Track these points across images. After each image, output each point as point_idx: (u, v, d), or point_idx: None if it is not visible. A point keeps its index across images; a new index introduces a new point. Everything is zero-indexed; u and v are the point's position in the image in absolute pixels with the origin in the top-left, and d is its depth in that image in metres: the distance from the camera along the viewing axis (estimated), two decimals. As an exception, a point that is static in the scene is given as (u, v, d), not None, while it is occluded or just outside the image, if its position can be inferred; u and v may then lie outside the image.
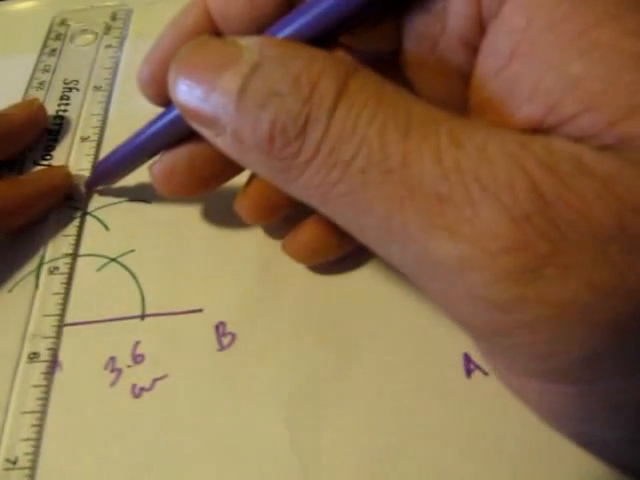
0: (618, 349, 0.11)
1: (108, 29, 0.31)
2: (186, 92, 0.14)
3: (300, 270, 0.21)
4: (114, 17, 0.32)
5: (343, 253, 0.20)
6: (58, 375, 0.19)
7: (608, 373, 0.12)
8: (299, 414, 0.18)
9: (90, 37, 0.31)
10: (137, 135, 0.19)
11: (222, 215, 0.22)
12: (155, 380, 0.19)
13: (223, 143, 0.14)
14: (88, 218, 0.23)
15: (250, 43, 0.13)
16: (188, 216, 0.23)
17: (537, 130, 0.12)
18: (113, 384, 0.19)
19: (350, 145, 0.12)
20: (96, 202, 0.23)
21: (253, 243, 0.22)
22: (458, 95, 0.15)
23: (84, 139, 0.26)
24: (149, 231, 0.22)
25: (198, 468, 0.17)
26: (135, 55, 0.30)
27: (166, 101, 0.17)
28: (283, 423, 0.18)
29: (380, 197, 0.11)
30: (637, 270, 0.10)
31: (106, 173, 0.22)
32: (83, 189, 0.24)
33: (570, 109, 0.11)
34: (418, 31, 0.14)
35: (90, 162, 0.25)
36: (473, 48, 0.14)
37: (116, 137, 0.26)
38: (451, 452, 0.17)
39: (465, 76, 0.14)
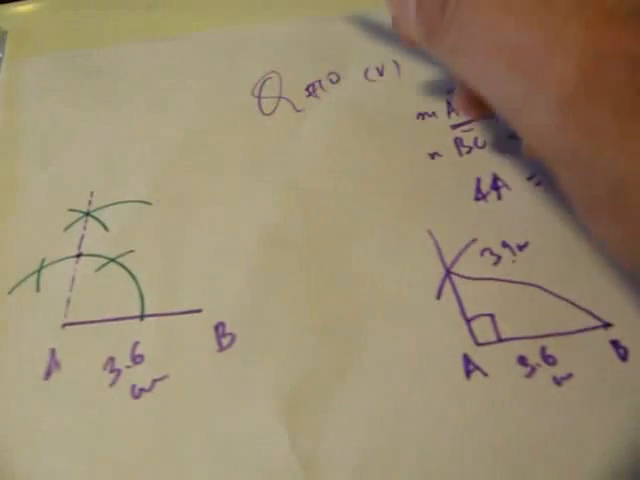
0: None
1: (-18, 52, 0.31)
2: None
3: (300, 270, 0.21)
4: None
5: None
6: (57, 375, 0.19)
7: None
8: (299, 414, 0.18)
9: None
10: None
11: (222, 215, 0.23)
12: (155, 381, 0.19)
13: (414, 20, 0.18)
14: (88, 219, 0.23)
15: None
16: (188, 217, 0.23)
17: None
18: (112, 384, 0.19)
19: None
20: (96, 202, 0.23)
21: (253, 243, 0.22)
22: None
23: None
24: (149, 231, 0.22)
25: (198, 468, 0.17)
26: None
27: None
28: (283, 423, 0.18)
29: None
30: None
31: None
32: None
33: None
34: None
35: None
36: None
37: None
38: (450, 452, 0.17)
39: None
